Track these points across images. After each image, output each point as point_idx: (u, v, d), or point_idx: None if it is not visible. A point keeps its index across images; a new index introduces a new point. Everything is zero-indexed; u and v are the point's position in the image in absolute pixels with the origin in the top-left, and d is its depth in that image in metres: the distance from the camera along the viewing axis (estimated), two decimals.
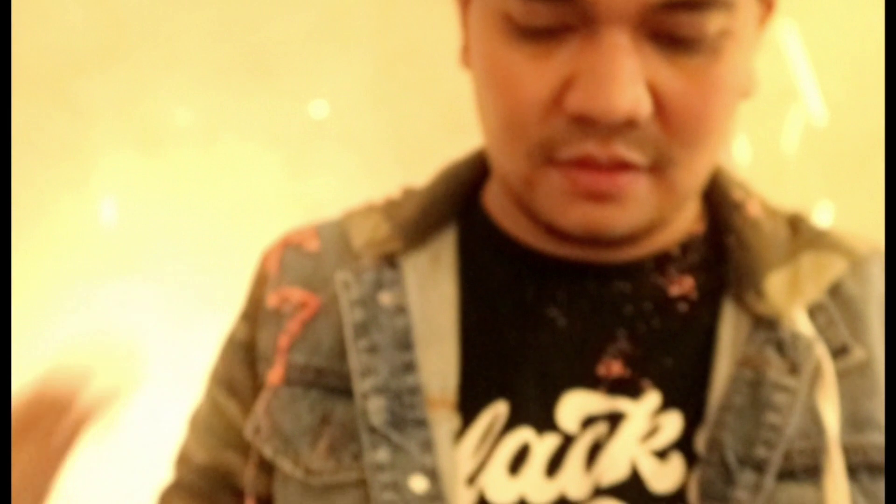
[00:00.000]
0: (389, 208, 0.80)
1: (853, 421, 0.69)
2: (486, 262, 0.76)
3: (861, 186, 2.31)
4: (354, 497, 0.68)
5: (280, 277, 0.79)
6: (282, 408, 0.73)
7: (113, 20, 2.19)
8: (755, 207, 0.76)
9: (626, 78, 0.61)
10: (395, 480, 0.67)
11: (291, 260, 0.80)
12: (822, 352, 0.69)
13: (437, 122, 2.50)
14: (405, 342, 0.71)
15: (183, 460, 0.85)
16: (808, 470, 0.67)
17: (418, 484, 0.67)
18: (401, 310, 0.72)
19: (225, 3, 2.35)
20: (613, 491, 0.67)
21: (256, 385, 0.78)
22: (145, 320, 2.09)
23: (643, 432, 0.68)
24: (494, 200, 0.78)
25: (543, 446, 0.68)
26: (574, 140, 0.64)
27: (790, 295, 0.71)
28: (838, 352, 0.71)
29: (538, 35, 0.63)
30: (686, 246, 0.75)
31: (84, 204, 2.16)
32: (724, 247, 0.75)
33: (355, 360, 0.70)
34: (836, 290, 0.73)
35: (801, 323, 0.71)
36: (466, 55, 0.73)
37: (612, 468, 0.67)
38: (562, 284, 0.73)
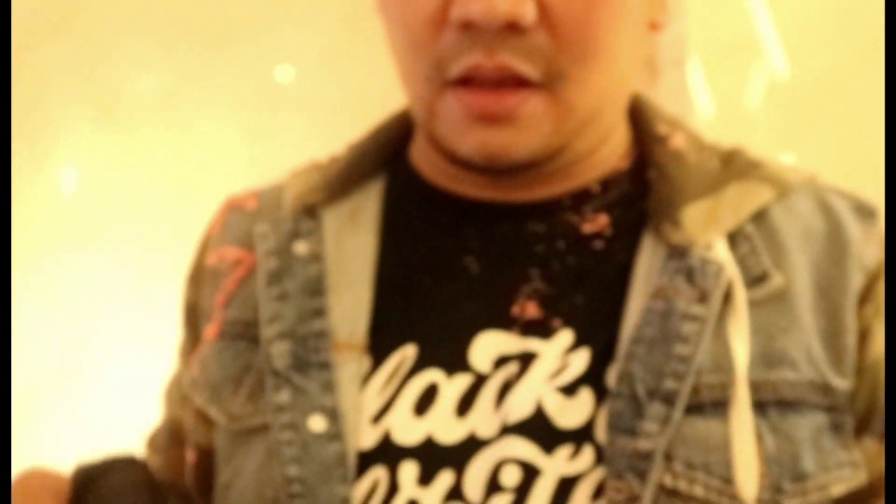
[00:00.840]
0: (328, 164, 0.81)
1: (766, 357, 0.68)
2: (408, 212, 0.76)
3: (823, 138, 2.32)
4: (265, 440, 0.69)
5: (221, 238, 0.81)
6: (212, 359, 0.75)
7: None
8: (679, 140, 0.76)
9: None
10: (294, 420, 0.68)
11: (232, 221, 0.81)
12: (734, 277, 0.68)
13: (399, 87, 2.49)
14: (316, 289, 0.72)
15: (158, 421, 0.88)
16: (716, 404, 0.66)
17: (317, 423, 0.68)
18: (315, 258, 0.74)
19: None
20: (519, 428, 0.66)
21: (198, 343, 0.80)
22: (106, 290, 2.07)
23: (552, 371, 0.68)
24: (419, 151, 0.78)
25: (453, 387, 0.68)
26: (462, 53, 0.64)
27: (707, 224, 0.70)
28: (756, 279, 0.70)
29: None
30: (607, 182, 0.74)
31: (44, 175, 2.14)
32: (647, 182, 0.75)
33: (265, 308, 0.72)
34: (761, 219, 0.72)
35: (716, 250, 0.69)
36: None
37: (519, 406, 0.67)
38: (477, 230, 0.73)
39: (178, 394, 0.83)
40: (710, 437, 0.65)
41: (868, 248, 0.73)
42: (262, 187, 0.83)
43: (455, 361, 0.69)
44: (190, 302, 0.83)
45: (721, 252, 0.70)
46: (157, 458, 0.86)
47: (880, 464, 0.69)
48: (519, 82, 0.65)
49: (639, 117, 0.78)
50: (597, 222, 0.73)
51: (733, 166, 0.75)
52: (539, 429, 0.66)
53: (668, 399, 0.65)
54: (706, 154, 0.76)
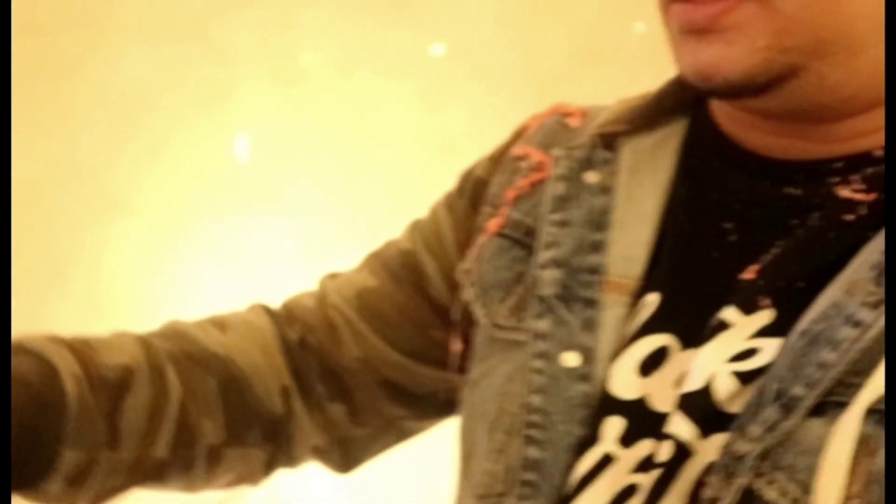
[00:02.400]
0: (638, 98, 0.79)
1: None
2: (702, 157, 0.72)
3: None
4: (519, 357, 0.70)
5: (533, 136, 0.80)
6: (489, 256, 0.76)
7: None
8: None
9: None
10: (549, 351, 0.68)
11: (551, 126, 0.81)
12: None
13: (570, 51, 2.44)
14: (599, 222, 0.71)
15: (390, 243, 0.89)
16: (838, 404, 0.59)
17: (570, 359, 0.67)
18: (604, 190, 0.72)
19: None
20: (687, 405, 0.63)
21: (471, 221, 0.81)
22: (280, 256, 2.09)
23: (734, 352, 0.63)
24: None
25: (684, 357, 0.66)
26: None
27: None
28: None
29: None
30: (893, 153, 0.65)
31: (219, 140, 2.17)
32: None
33: (544, 231, 0.72)
34: None
35: None
36: None
37: (693, 380, 0.64)
38: (743, 190, 0.68)
39: (431, 234, 0.84)
40: (810, 438, 0.59)
41: None
42: (591, 106, 0.81)
43: (693, 332, 0.65)
44: (480, 175, 0.83)
45: None
46: (374, 279, 0.85)
47: None
48: None
49: None
50: (860, 192, 0.65)
51: None
52: (702, 409, 0.62)
53: (788, 406, 0.59)
54: None
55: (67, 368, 0.76)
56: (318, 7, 2.27)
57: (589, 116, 0.80)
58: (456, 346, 0.80)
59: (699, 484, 0.61)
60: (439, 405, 0.86)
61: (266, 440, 0.84)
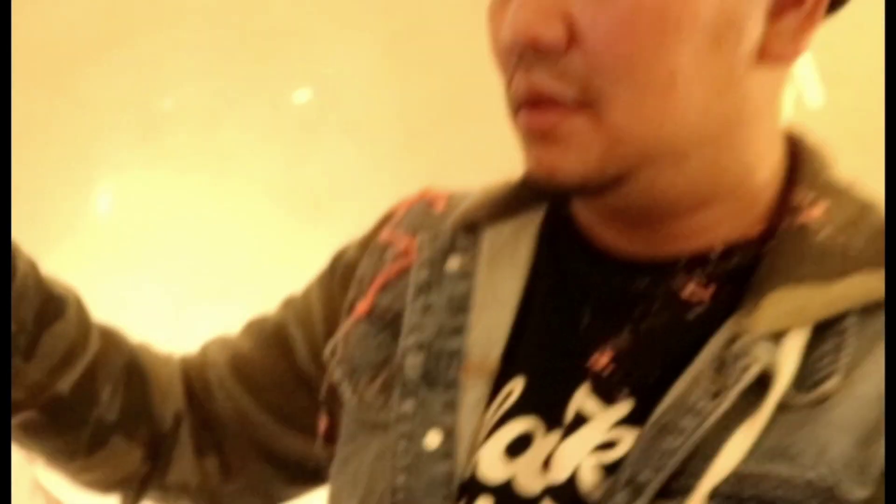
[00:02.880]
0: (499, 186, 0.82)
1: (770, 449, 0.63)
2: (557, 247, 0.77)
3: (860, 166, 2.30)
4: (385, 438, 0.73)
5: (401, 221, 0.85)
6: (357, 339, 0.80)
7: (109, 9, 2.18)
8: (817, 212, 0.70)
9: (532, 3, 0.62)
10: (413, 432, 0.71)
11: (417, 211, 0.85)
12: (774, 377, 0.63)
13: (440, 107, 2.48)
14: (460, 307, 0.75)
15: (266, 313, 0.93)
16: (685, 490, 0.63)
17: (433, 440, 0.70)
18: (465, 275, 0.76)
19: None
20: (555, 493, 0.67)
21: (339, 301, 0.85)
22: (144, 312, 2.08)
23: (598, 443, 0.67)
24: None
25: (547, 443, 0.69)
26: (514, 77, 0.66)
27: (788, 313, 0.65)
28: (813, 383, 0.64)
29: None
30: (731, 248, 0.71)
31: (81, 195, 2.15)
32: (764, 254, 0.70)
33: (408, 316, 0.76)
34: (871, 312, 0.66)
35: (787, 344, 0.65)
36: None
37: (559, 469, 0.68)
38: (597, 282, 0.73)
39: (302, 309, 0.88)
40: None
41: None
42: (456, 192, 0.85)
43: (555, 415, 0.69)
44: (349, 258, 0.87)
45: (788, 346, 0.64)
46: (249, 345, 0.89)
47: None
48: (554, 102, 0.65)
49: (793, 177, 0.73)
50: (698, 291, 0.70)
51: (881, 253, 0.67)
52: (570, 498, 0.66)
53: (637, 490, 0.64)
54: (855, 233, 0.69)
55: (26, 265, 0.81)
56: (180, 56, 2.26)
57: (453, 202, 0.83)
58: (322, 422, 0.83)
59: None
60: (307, 473, 0.89)
61: (148, 449, 0.87)
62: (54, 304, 0.82)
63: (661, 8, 0.62)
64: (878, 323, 0.65)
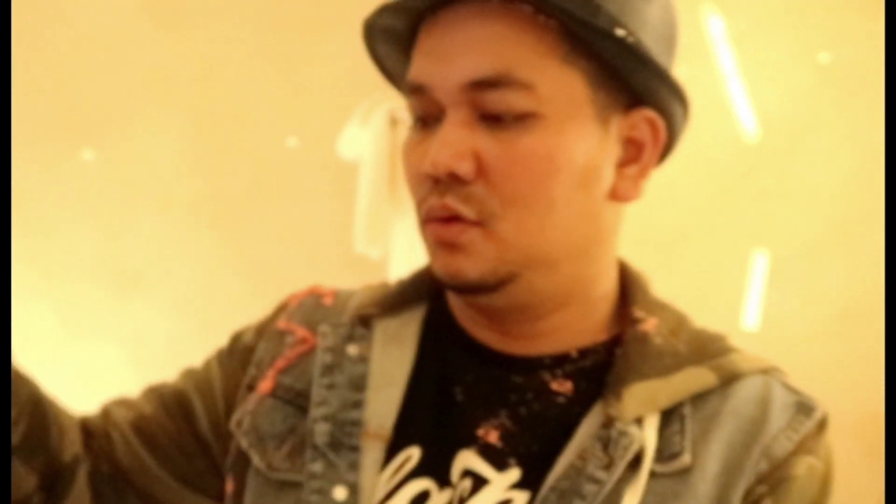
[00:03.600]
0: (387, 286, 0.97)
1: None
2: (438, 338, 0.92)
3: (647, 251, 2.46)
4: (295, 494, 0.85)
5: (294, 312, 0.96)
6: (263, 413, 0.90)
7: None
8: (650, 325, 0.88)
9: (450, 142, 0.79)
10: (322, 487, 0.84)
11: (309, 304, 0.97)
12: (645, 451, 0.82)
13: (249, 186, 2.57)
14: (359, 385, 0.88)
15: (164, 382, 1.00)
16: None
17: (339, 493, 0.84)
18: (362, 360, 0.90)
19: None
20: None
21: (237, 378, 0.95)
22: None
23: (498, 500, 0.83)
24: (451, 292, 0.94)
25: (441, 499, 0.84)
26: (427, 197, 0.82)
27: (644, 402, 0.84)
28: (670, 456, 0.82)
29: (424, 121, 0.83)
30: (585, 351, 0.88)
31: None
32: (614, 356, 0.88)
33: (315, 393, 0.88)
34: (701, 400, 0.85)
35: (645, 425, 0.83)
36: None
37: None
38: (473, 368, 0.89)
39: (202, 381, 0.97)
40: None
41: (782, 440, 0.83)
42: (340, 289, 0.98)
43: (443, 475, 0.84)
44: (247, 342, 0.97)
45: (648, 427, 0.83)
46: (152, 408, 0.97)
47: None
48: (459, 219, 0.81)
49: (624, 300, 0.90)
50: (564, 385, 0.86)
51: (700, 352, 0.87)
52: None
53: None
54: (678, 339, 0.88)
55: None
56: None
57: (340, 297, 0.97)
58: (229, 485, 0.93)
59: None
60: None
61: (43, 479, 0.94)
62: None
63: (547, 156, 0.80)
64: (707, 408, 0.84)
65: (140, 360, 2.51)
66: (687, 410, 0.84)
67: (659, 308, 0.90)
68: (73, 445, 0.95)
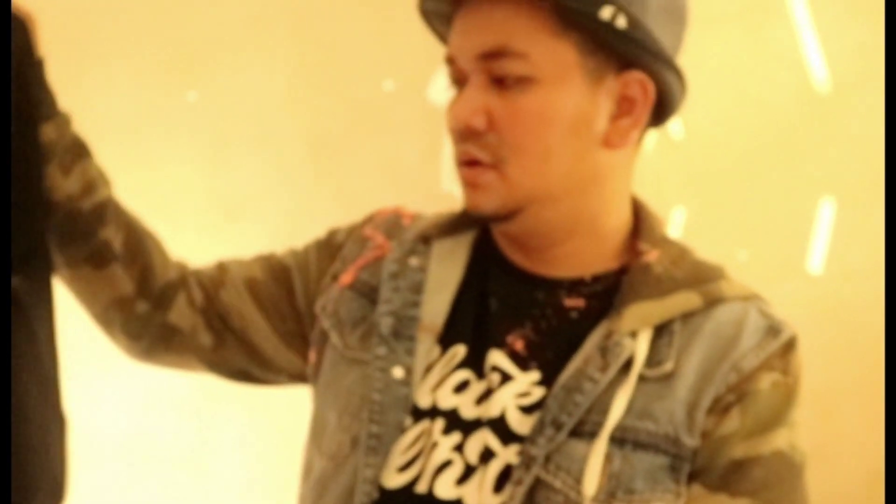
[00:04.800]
0: (448, 213, 1.15)
1: (641, 411, 0.99)
2: (483, 259, 1.11)
3: (714, 195, 2.52)
4: (363, 372, 1.06)
5: (379, 224, 1.17)
6: (343, 301, 1.11)
7: None
8: (652, 256, 1.05)
9: (467, 102, 1.00)
10: (385, 367, 1.05)
11: (391, 220, 1.17)
12: (636, 358, 1.00)
13: (345, 126, 2.68)
14: (418, 289, 1.08)
15: (272, 254, 1.21)
16: (591, 433, 0.99)
17: (397, 372, 1.04)
18: (421, 269, 1.10)
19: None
20: (490, 423, 1.01)
21: (326, 265, 1.16)
22: None
23: (518, 392, 1.02)
24: None
25: (478, 386, 1.04)
26: (456, 146, 1.03)
27: (640, 318, 1.02)
28: (657, 362, 1.01)
29: (458, 85, 1.03)
30: (597, 277, 1.07)
31: None
32: (621, 282, 1.06)
33: (383, 293, 1.09)
34: (689, 319, 1.03)
35: (639, 337, 1.01)
36: None
37: (492, 408, 1.02)
38: (506, 285, 1.08)
39: (303, 261, 1.17)
40: (578, 452, 0.99)
41: (751, 357, 1.01)
42: (418, 214, 1.19)
43: (479, 369, 1.04)
44: (339, 240, 1.18)
45: (641, 340, 1.01)
46: (262, 273, 1.17)
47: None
48: (478, 163, 1.01)
49: (637, 233, 1.09)
50: (577, 302, 1.06)
51: (694, 279, 1.05)
52: (501, 428, 1.01)
53: (558, 426, 0.99)
54: (677, 268, 1.06)
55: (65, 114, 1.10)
56: (101, 63, 2.39)
57: (416, 220, 1.17)
58: (312, 355, 1.14)
59: (502, 474, 0.99)
60: (281, 380, 1.20)
61: (139, 285, 1.12)
62: (85, 146, 1.10)
63: (540, 111, 0.99)
64: (692, 325, 1.02)
65: None
66: (676, 327, 1.02)
67: (664, 242, 1.08)
68: (172, 270, 1.15)
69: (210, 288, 1.16)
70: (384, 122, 2.67)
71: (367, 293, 1.10)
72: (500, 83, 0.99)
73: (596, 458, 0.98)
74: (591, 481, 0.97)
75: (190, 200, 2.59)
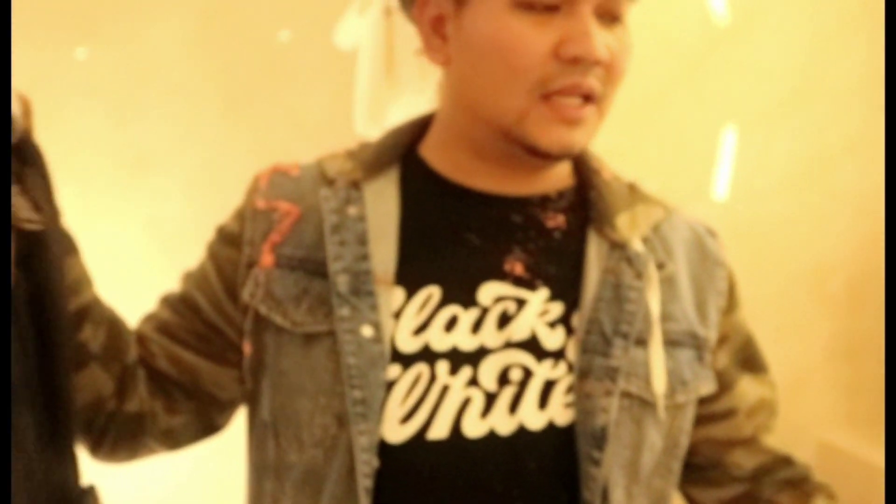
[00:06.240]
0: (351, 153, 1.11)
1: (663, 315, 1.05)
2: (419, 191, 1.08)
3: (621, 127, 2.55)
4: (325, 344, 1.01)
5: (268, 191, 1.10)
6: (274, 281, 1.05)
7: None
8: (608, 173, 1.10)
9: (598, 35, 0.96)
10: (353, 328, 1.00)
11: (278, 180, 1.10)
12: (651, 265, 1.05)
13: (256, 72, 2.67)
14: (363, 240, 1.04)
15: (171, 293, 1.16)
16: (643, 340, 1.04)
17: (366, 331, 1.00)
18: (361, 218, 1.05)
19: None
20: (521, 344, 1.01)
21: (231, 262, 1.10)
22: None
23: (539, 311, 1.02)
24: (431, 149, 1.10)
25: (468, 316, 1.02)
26: (566, 75, 0.97)
27: (631, 229, 1.06)
28: (659, 267, 1.06)
29: (537, 10, 0.97)
30: (561, 193, 1.08)
31: None
32: (587, 197, 1.08)
33: (331, 250, 1.03)
34: (656, 229, 1.08)
35: (638, 247, 1.05)
36: (442, 53, 1.05)
37: (519, 331, 1.01)
38: (475, 213, 1.06)
39: (200, 277, 1.12)
40: (638, 357, 1.03)
41: (720, 253, 1.11)
42: (300, 161, 1.13)
43: (468, 300, 1.02)
44: (232, 230, 1.11)
45: (641, 248, 1.05)
46: (167, 313, 1.13)
47: (742, 388, 1.12)
48: (593, 96, 0.99)
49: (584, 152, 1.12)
50: (557, 220, 1.07)
51: (636, 193, 1.10)
52: (534, 347, 1.01)
53: (626, 337, 1.02)
54: (620, 183, 1.11)
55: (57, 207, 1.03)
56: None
57: (304, 167, 1.12)
58: (247, 348, 1.08)
59: (568, 390, 1.00)
60: (238, 404, 1.15)
61: (118, 383, 1.08)
62: (72, 241, 1.03)
63: (630, 48, 1.00)
64: (662, 233, 1.08)
65: (155, 239, 2.62)
66: (651, 235, 1.07)
67: (601, 161, 1.12)
68: (134, 351, 1.10)
69: (147, 359, 1.11)
70: (289, 69, 2.66)
71: (298, 266, 1.05)
72: (609, 19, 0.99)
73: (658, 358, 1.03)
74: (660, 380, 1.03)
75: (94, 160, 2.56)
